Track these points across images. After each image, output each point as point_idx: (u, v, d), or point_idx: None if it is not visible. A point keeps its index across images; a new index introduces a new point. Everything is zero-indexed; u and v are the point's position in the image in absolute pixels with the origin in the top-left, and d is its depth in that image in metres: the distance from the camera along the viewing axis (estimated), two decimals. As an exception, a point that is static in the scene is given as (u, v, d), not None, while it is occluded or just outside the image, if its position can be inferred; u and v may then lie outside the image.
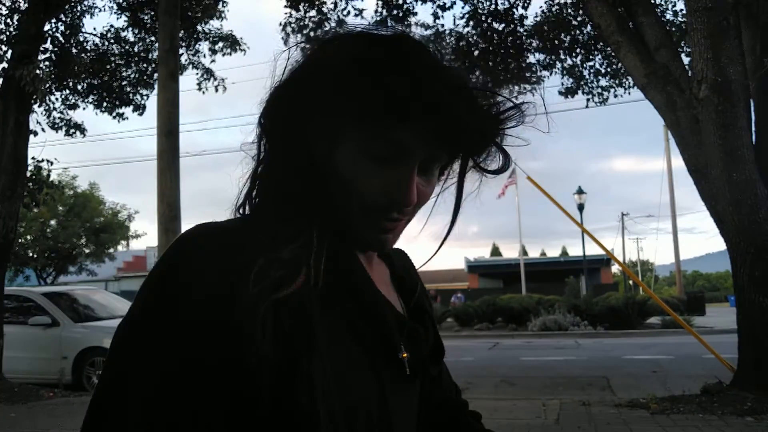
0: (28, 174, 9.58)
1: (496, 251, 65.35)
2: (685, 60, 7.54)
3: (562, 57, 11.20)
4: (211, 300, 0.57)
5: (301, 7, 10.46)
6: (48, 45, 10.80)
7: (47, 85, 10.30)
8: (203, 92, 12.45)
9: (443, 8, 10.77)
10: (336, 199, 0.67)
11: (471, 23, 10.77)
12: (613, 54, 9.20)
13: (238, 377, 0.57)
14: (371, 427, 0.64)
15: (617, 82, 11.42)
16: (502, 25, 10.80)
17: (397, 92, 0.61)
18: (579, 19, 10.70)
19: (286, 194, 0.68)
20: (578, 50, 11.12)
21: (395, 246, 0.84)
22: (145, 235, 28.55)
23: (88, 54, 11.61)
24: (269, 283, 0.58)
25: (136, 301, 0.61)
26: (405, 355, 0.69)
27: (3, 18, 10.58)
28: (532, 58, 11.28)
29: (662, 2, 10.40)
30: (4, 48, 10.58)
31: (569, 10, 10.75)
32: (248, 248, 0.61)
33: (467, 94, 0.67)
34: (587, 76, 11.49)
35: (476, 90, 0.70)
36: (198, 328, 0.57)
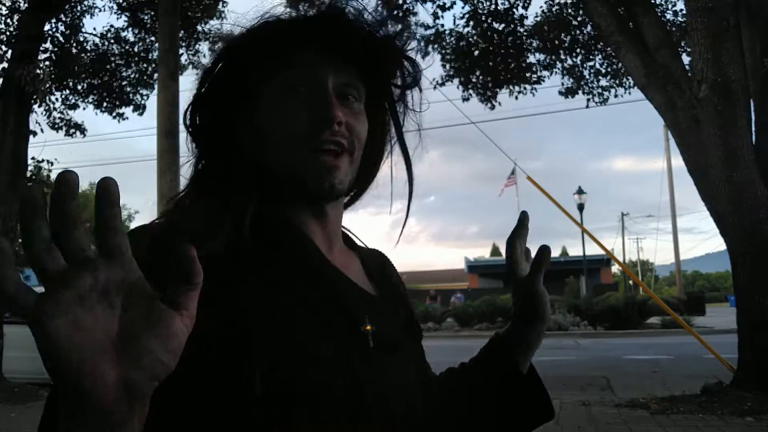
0: (28, 174, 9.59)
1: (496, 251, 65.32)
2: (685, 60, 7.55)
3: (562, 57, 11.20)
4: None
5: (300, 7, 10.46)
6: (48, 45, 10.81)
7: (47, 85, 10.29)
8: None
9: (443, 8, 10.76)
10: (270, 160, 0.71)
11: (471, 23, 10.76)
12: (613, 54, 9.21)
13: None
14: (338, 398, 0.64)
15: (617, 82, 11.41)
16: (502, 25, 10.80)
17: (291, 28, 0.71)
18: (579, 19, 10.70)
19: (209, 178, 0.73)
20: (578, 50, 11.12)
21: (373, 247, 0.87)
22: (145, 235, 28.38)
23: (88, 54, 11.61)
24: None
25: None
26: (369, 327, 0.69)
27: (3, 18, 10.59)
28: (532, 58, 11.28)
29: (662, 2, 10.40)
30: (4, 48, 10.59)
31: (569, 10, 10.74)
32: (167, 229, 0.65)
33: (350, 18, 0.73)
34: (587, 76, 11.48)
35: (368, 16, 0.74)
36: None
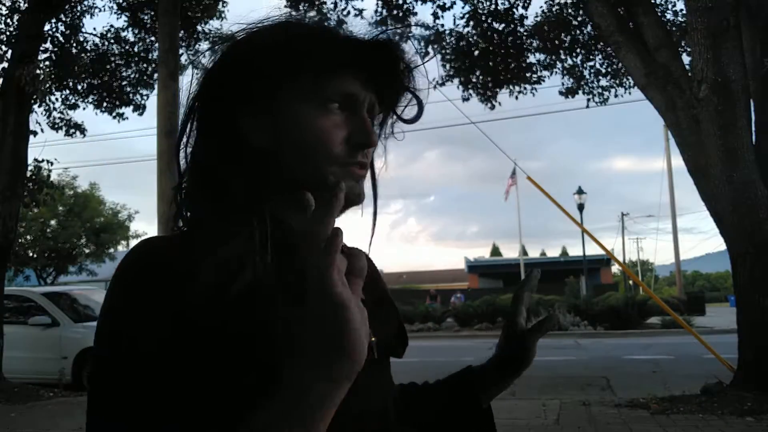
0: (28, 174, 9.58)
1: (496, 251, 65.35)
2: (685, 60, 7.55)
3: (563, 57, 11.20)
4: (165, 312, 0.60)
5: (301, 6, 10.46)
6: (48, 45, 10.81)
7: (47, 85, 10.30)
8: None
9: (443, 8, 10.77)
10: (289, 165, 0.71)
11: (471, 23, 10.77)
12: (613, 54, 9.21)
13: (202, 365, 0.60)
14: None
15: (617, 82, 11.42)
16: (502, 25, 10.80)
17: (341, 46, 0.71)
18: (579, 19, 10.70)
19: (224, 190, 0.71)
20: (578, 50, 11.13)
21: (353, 246, 0.86)
22: (145, 235, 28.33)
23: (88, 54, 11.62)
24: (211, 285, 0.61)
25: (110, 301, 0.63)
26: (373, 338, 0.70)
27: (3, 18, 10.60)
28: (532, 58, 11.29)
29: (662, 2, 10.40)
30: (4, 48, 10.60)
31: (569, 10, 10.75)
32: (191, 257, 0.63)
33: (388, 46, 0.74)
34: (587, 76, 11.49)
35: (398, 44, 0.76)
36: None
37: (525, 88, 11.45)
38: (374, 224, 0.82)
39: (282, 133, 0.71)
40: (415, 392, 0.94)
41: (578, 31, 10.90)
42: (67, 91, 11.80)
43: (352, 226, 0.86)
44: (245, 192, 0.70)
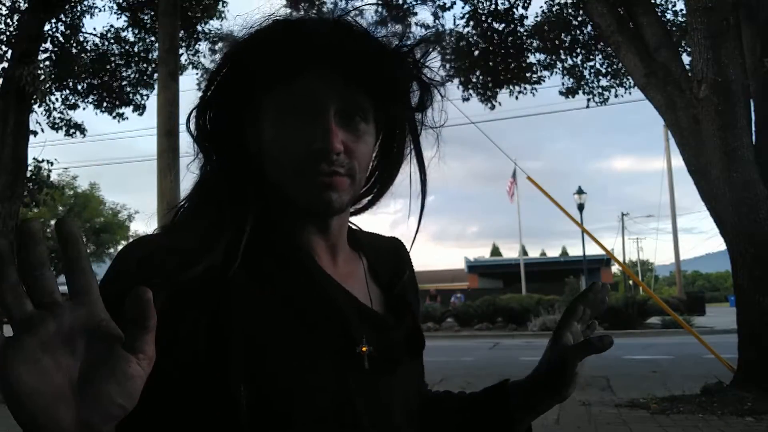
0: (28, 174, 9.59)
1: (496, 251, 65.41)
2: (685, 60, 7.55)
3: (563, 57, 11.20)
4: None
5: (300, 6, 10.46)
6: (48, 45, 10.81)
7: (47, 85, 10.30)
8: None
9: (443, 8, 10.77)
10: (270, 174, 0.70)
11: (471, 23, 10.77)
12: (613, 54, 9.21)
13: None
14: (331, 417, 0.63)
15: (617, 82, 11.42)
16: (502, 25, 10.80)
17: (295, 43, 0.67)
18: (579, 19, 10.70)
19: (211, 187, 0.71)
20: (578, 50, 11.12)
21: (392, 235, 0.87)
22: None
23: (88, 54, 11.62)
24: (166, 271, 0.60)
25: None
26: (364, 348, 0.68)
27: (3, 18, 10.60)
28: (532, 58, 11.29)
29: (662, 2, 10.40)
30: (4, 48, 10.59)
31: (569, 10, 10.75)
32: (162, 246, 0.64)
33: (357, 35, 0.69)
34: (587, 76, 11.49)
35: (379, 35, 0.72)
36: None
37: (525, 88, 11.45)
38: (420, 218, 0.80)
39: (263, 141, 0.70)
40: (445, 404, 0.88)
41: (578, 31, 10.90)
42: (67, 91, 11.80)
43: (364, 222, 0.86)
44: (237, 200, 0.69)
